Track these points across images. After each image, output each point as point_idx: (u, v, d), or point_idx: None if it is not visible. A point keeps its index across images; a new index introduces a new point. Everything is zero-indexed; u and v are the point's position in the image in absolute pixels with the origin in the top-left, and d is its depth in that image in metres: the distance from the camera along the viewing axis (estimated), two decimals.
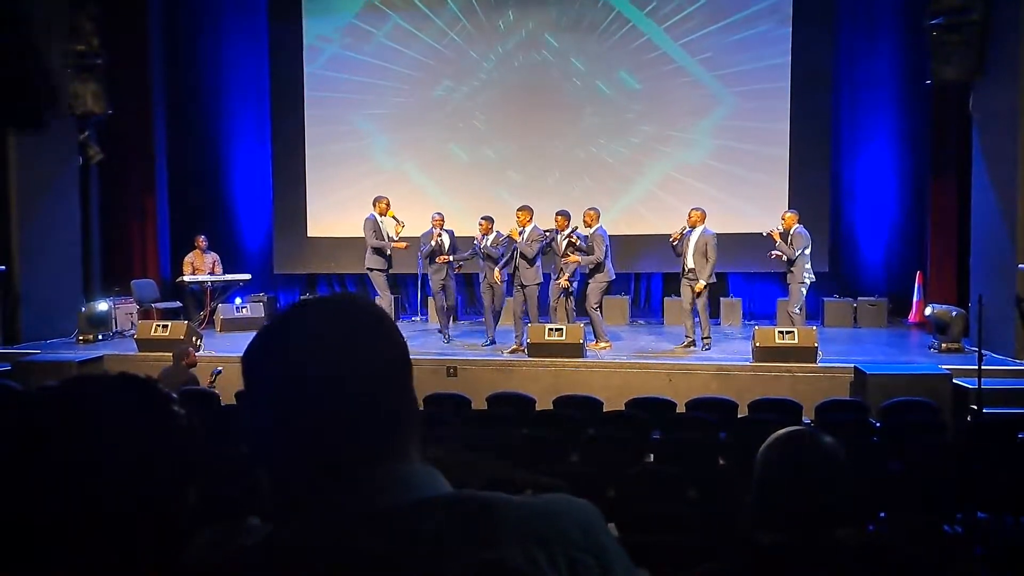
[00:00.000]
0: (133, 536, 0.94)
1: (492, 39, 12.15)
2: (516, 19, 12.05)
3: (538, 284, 9.40)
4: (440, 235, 9.96)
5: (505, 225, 9.60)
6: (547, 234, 9.37)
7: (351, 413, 0.95)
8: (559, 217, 9.37)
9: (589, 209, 9.44)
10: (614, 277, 9.59)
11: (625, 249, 11.65)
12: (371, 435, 0.96)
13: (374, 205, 10.08)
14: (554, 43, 12.01)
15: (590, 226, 9.33)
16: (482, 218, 9.71)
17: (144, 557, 0.94)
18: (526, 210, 9.31)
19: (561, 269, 9.34)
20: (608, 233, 9.38)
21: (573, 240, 9.28)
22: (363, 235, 9.99)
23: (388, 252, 9.98)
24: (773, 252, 9.30)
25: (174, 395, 1.03)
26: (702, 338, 9.24)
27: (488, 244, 9.60)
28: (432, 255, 9.94)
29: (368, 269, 10.01)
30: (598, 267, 9.28)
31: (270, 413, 0.97)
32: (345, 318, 1.00)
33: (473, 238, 9.83)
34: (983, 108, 9.34)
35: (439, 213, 10.17)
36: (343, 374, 0.96)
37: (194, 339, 9.20)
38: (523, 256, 9.25)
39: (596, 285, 9.34)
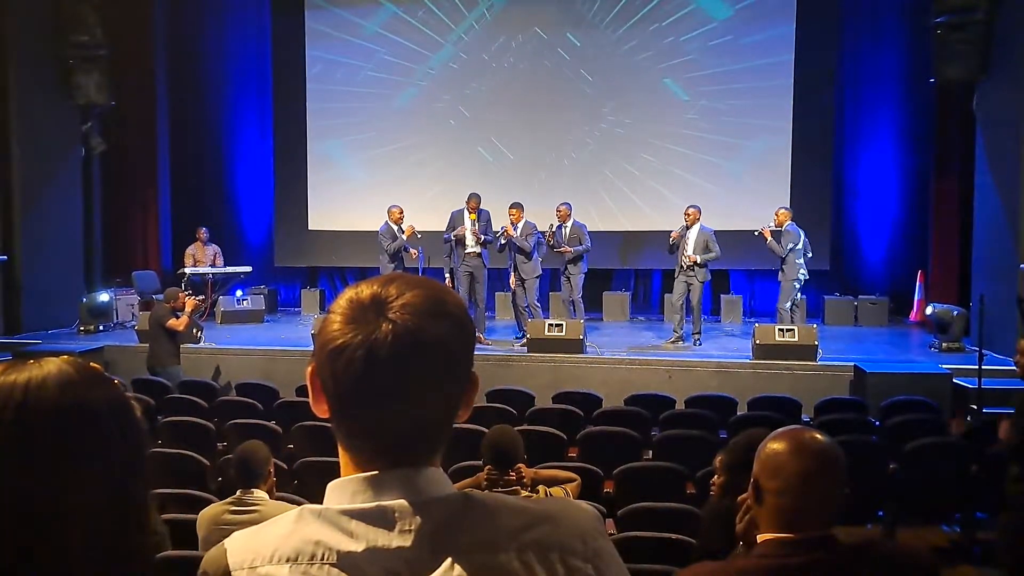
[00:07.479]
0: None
1: (499, 35, 12.12)
2: (525, 15, 12.02)
3: (537, 277, 9.48)
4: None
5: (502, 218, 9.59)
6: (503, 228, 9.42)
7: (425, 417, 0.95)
8: (513, 210, 9.39)
9: (561, 205, 9.67)
10: (586, 269, 9.79)
11: (626, 245, 11.66)
12: (430, 440, 0.97)
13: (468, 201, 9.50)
14: (560, 40, 11.97)
15: (565, 221, 9.58)
16: (512, 205, 9.38)
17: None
18: (518, 207, 9.36)
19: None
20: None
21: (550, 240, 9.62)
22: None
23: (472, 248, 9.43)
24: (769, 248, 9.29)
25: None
26: (693, 333, 9.31)
27: (519, 235, 9.35)
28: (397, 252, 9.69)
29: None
30: (579, 257, 9.58)
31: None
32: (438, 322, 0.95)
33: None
34: (986, 108, 9.33)
35: (396, 205, 9.82)
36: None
37: (195, 331, 9.19)
38: (521, 251, 9.40)
39: (581, 276, 9.65)
